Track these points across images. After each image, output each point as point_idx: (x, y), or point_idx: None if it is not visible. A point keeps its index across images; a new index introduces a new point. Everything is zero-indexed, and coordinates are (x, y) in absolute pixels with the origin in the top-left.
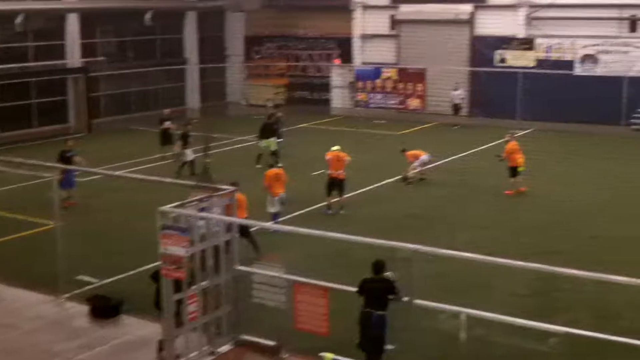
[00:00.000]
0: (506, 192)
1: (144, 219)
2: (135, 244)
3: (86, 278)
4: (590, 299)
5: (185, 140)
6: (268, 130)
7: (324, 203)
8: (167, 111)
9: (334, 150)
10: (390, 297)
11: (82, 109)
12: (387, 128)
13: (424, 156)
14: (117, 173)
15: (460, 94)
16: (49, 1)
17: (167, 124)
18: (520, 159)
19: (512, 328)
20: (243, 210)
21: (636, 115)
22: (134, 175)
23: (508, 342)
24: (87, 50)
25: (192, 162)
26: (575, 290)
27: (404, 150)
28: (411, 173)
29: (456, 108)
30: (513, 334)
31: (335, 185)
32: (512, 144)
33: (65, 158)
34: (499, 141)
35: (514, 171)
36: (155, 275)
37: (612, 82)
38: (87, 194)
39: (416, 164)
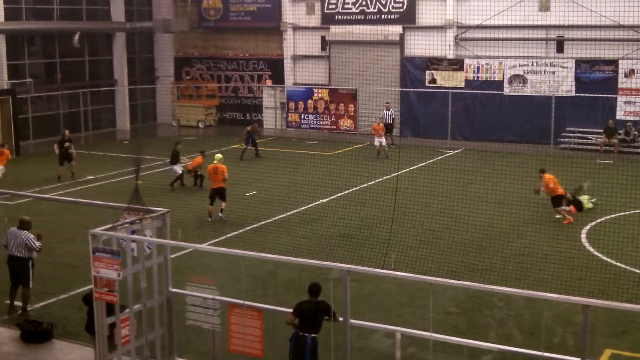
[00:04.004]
0: (565, 222)
1: (71, 242)
2: (63, 267)
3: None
4: (521, 315)
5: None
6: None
7: (259, 224)
8: (67, 133)
9: (215, 163)
10: (326, 318)
11: (8, 131)
12: (319, 149)
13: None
14: (46, 196)
15: (391, 114)
16: None
17: (67, 145)
18: (556, 187)
19: (445, 346)
20: None
21: (565, 134)
22: (64, 198)
23: None
24: (14, 71)
25: (181, 175)
26: (506, 307)
27: None
28: None
29: (388, 128)
30: (446, 352)
31: (216, 194)
32: (547, 177)
33: None
34: (430, 161)
35: (558, 200)
36: (87, 299)
37: (540, 102)
38: (14, 216)
39: None
